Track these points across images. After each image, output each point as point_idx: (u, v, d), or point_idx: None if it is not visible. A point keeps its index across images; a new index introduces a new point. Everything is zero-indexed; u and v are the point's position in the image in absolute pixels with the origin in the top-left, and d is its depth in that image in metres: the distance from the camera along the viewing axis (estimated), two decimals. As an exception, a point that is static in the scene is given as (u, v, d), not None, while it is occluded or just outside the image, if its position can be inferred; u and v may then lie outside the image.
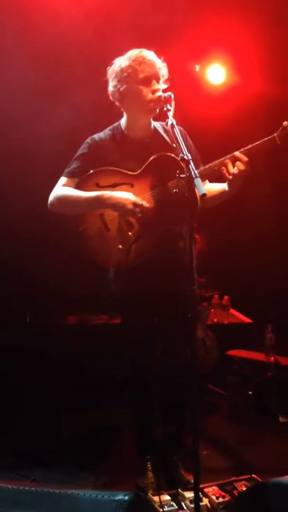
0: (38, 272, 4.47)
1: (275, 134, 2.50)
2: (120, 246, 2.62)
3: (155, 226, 2.62)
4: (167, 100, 2.45)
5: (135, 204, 2.54)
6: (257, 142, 2.52)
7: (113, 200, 2.56)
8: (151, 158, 2.63)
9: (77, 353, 4.12)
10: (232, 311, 4.79)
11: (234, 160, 2.52)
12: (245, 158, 2.50)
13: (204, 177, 2.53)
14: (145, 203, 2.57)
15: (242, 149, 2.52)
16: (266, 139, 2.51)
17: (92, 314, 4.68)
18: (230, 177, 2.52)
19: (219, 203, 2.73)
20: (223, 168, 2.53)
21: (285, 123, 2.50)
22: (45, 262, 4.48)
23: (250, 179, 2.59)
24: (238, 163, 2.50)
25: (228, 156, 2.53)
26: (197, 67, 4.92)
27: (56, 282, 4.46)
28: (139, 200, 2.56)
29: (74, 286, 4.43)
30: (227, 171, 2.52)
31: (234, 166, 2.51)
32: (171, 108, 2.41)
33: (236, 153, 2.51)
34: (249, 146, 2.52)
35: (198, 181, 2.04)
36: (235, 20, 4.25)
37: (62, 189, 2.70)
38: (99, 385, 3.99)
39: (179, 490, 2.63)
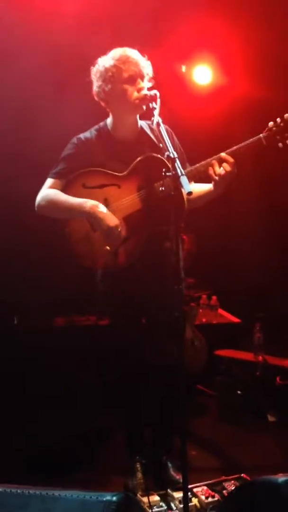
0: (26, 273, 4.45)
1: (261, 135, 2.50)
2: (108, 248, 2.61)
3: (143, 227, 2.62)
4: (153, 98, 2.45)
5: (116, 228, 2.54)
6: (243, 143, 2.52)
7: (95, 210, 2.54)
8: (138, 159, 2.62)
9: (66, 354, 4.10)
10: (221, 311, 4.81)
11: (221, 161, 2.51)
12: (231, 160, 2.49)
13: (190, 178, 2.52)
14: (122, 234, 2.57)
15: (228, 150, 2.52)
16: (252, 140, 2.51)
17: (80, 315, 4.66)
18: (216, 178, 2.52)
19: (205, 203, 2.72)
20: (210, 168, 2.53)
21: (270, 123, 2.50)
22: (32, 263, 4.47)
23: (240, 181, 2.59)
24: (224, 164, 2.50)
25: (214, 157, 2.53)
26: (184, 68, 4.94)
27: (44, 283, 4.44)
28: (119, 227, 2.55)
29: (62, 287, 4.41)
30: (214, 172, 2.52)
31: (220, 167, 2.51)
32: (156, 106, 2.41)
33: (222, 154, 2.51)
34: (235, 147, 2.52)
35: (184, 179, 2.04)
36: (222, 21, 4.27)
37: (49, 191, 2.68)
38: (88, 386, 3.98)
39: (168, 490, 2.62)
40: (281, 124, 2.48)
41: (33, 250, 4.45)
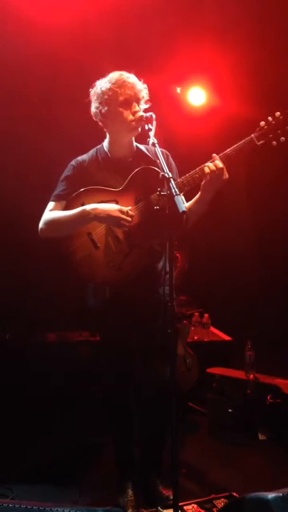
0: (18, 289, 4.46)
1: (253, 135, 2.54)
2: (112, 264, 2.62)
3: (143, 240, 2.63)
4: (149, 120, 2.50)
5: (120, 211, 2.57)
6: (236, 145, 2.54)
7: (97, 210, 2.58)
8: (133, 172, 2.66)
9: (57, 370, 4.10)
10: (212, 329, 4.82)
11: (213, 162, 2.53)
12: (221, 165, 2.50)
13: (185, 185, 2.55)
14: (130, 212, 2.59)
15: (221, 154, 2.55)
16: (244, 140, 2.55)
17: (72, 331, 4.66)
18: (208, 177, 2.52)
19: (198, 217, 2.72)
20: (205, 168, 2.52)
21: (262, 123, 2.55)
22: (25, 279, 4.48)
23: (232, 199, 2.61)
24: (216, 161, 2.51)
25: (208, 162, 2.54)
26: (179, 89, 5.05)
27: (37, 299, 4.46)
28: (123, 208, 2.58)
29: (55, 303, 4.44)
30: (208, 169, 2.51)
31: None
32: (152, 127, 2.46)
33: (215, 155, 2.54)
34: (228, 150, 2.55)
35: (178, 198, 2.08)
36: (215, 45, 4.39)
37: (47, 214, 2.72)
38: (79, 402, 3.97)
39: (159, 508, 2.62)
40: (273, 122, 2.54)
41: (26, 266, 4.48)
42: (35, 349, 4.41)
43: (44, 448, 3.53)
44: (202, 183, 2.57)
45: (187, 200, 2.67)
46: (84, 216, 2.60)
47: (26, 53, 3.93)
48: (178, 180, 2.58)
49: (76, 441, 3.64)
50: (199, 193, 2.63)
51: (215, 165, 2.51)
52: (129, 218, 2.56)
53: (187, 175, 2.59)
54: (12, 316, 4.49)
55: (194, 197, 2.67)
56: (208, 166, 2.52)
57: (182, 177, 2.59)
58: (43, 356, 4.28)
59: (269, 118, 2.55)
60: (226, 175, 2.53)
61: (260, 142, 2.53)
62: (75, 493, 2.90)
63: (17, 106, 4.09)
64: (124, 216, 2.56)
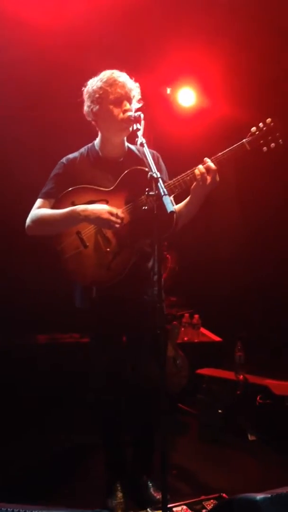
0: (8, 290, 4.43)
1: (244, 140, 2.56)
2: (101, 263, 2.61)
3: (133, 240, 2.63)
4: (137, 120, 2.50)
5: (110, 213, 2.55)
6: (227, 150, 2.56)
7: (87, 211, 2.57)
8: (124, 173, 2.65)
9: (48, 372, 4.08)
10: (203, 329, 4.83)
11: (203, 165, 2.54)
12: (213, 167, 2.52)
13: (176, 188, 2.55)
14: (120, 213, 2.58)
15: (213, 157, 2.55)
16: (235, 145, 2.56)
17: (63, 332, 4.64)
18: (199, 178, 2.51)
19: (188, 220, 2.72)
20: (196, 172, 2.53)
21: (253, 129, 2.57)
22: (15, 281, 4.46)
23: (223, 201, 2.61)
24: (208, 164, 2.52)
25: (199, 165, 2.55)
26: (169, 90, 5.05)
27: (27, 301, 4.43)
28: (113, 210, 2.57)
29: (45, 304, 4.41)
30: (199, 172, 2.52)
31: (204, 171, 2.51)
32: (140, 127, 2.46)
33: (206, 159, 2.54)
34: (219, 154, 2.56)
35: (166, 198, 2.08)
36: (205, 46, 4.40)
37: (35, 211, 2.69)
38: (69, 404, 3.96)
39: (148, 510, 2.60)
40: (264, 128, 2.56)
41: (15, 268, 4.45)
42: (25, 351, 4.38)
43: (32, 450, 3.50)
44: (193, 186, 2.57)
45: (178, 203, 2.67)
46: (74, 217, 2.59)
47: (19, 55, 3.91)
48: (169, 182, 2.58)
49: (65, 442, 3.62)
50: (190, 196, 2.63)
51: (207, 168, 2.52)
52: (119, 220, 2.55)
53: (178, 177, 2.59)
54: (1, 318, 4.46)
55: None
56: (199, 169, 2.53)
57: (174, 179, 2.59)
58: (33, 358, 4.26)
59: (260, 124, 2.57)
60: (217, 178, 2.54)
61: (251, 148, 2.56)
62: (63, 496, 2.88)
63: (15, 107, 4.07)
64: (114, 218, 2.54)
